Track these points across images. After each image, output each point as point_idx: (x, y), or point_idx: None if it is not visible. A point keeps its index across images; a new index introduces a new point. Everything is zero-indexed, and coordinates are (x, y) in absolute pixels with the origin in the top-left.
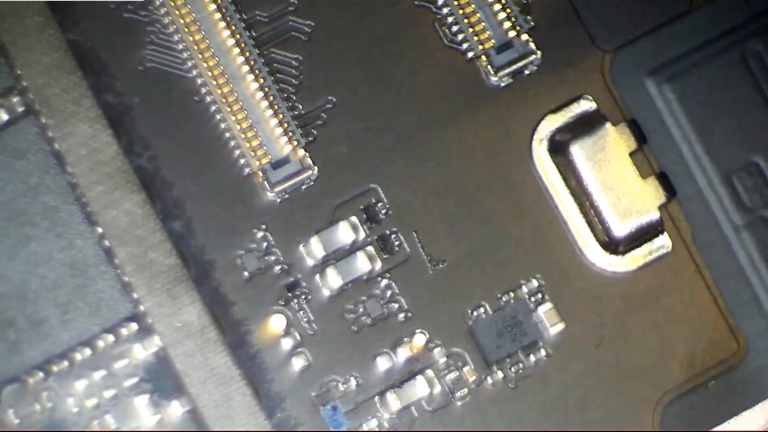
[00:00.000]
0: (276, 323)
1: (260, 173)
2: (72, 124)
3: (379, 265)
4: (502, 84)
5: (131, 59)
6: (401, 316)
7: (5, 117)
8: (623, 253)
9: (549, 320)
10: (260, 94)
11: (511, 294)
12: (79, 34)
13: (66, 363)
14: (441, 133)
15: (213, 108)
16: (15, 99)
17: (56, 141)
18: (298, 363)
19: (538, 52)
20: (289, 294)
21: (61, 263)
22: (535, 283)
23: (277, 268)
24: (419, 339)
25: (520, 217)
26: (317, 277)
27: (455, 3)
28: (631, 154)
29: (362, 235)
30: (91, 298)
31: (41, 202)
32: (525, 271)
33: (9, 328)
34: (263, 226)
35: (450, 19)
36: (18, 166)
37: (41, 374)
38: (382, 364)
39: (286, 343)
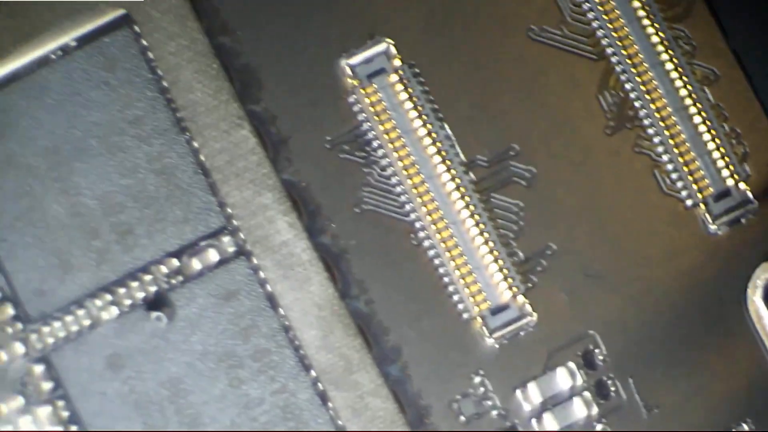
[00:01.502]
0: None
1: (479, 319)
2: (286, 267)
3: (595, 410)
4: (719, 232)
5: (347, 201)
6: None
7: (216, 258)
8: None
9: None
10: (480, 239)
11: None
12: (293, 174)
13: None
14: (658, 280)
15: (431, 252)
16: (226, 239)
17: (269, 283)
18: None
19: (755, 201)
20: None
21: (273, 406)
22: (745, 427)
23: (494, 413)
24: None
25: (732, 362)
26: (534, 422)
27: (675, 151)
28: None
29: (579, 381)
30: None
31: (253, 345)
32: (736, 415)
33: None
34: (481, 372)
35: (669, 167)
36: (229, 308)
37: None
38: None
39: None
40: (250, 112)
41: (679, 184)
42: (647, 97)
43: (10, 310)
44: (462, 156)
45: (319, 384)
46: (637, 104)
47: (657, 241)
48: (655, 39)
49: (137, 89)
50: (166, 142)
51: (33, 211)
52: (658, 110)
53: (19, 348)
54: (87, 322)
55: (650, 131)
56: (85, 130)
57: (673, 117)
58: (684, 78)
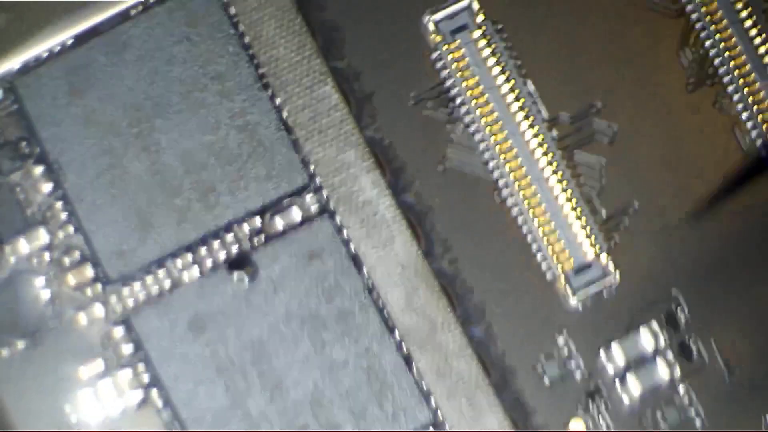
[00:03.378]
0: (575, 428)
1: (562, 278)
2: (369, 225)
3: (678, 371)
4: None
5: (431, 159)
6: (698, 422)
7: (299, 216)
8: None
9: None
10: (563, 196)
11: None
12: (376, 131)
13: None
14: (741, 237)
15: (515, 210)
16: (309, 197)
17: (352, 242)
18: None
19: None
20: (590, 400)
21: (357, 369)
22: None
23: (578, 374)
24: None
25: None
26: (617, 383)
27: (754, 108)
28: None
29: (662, 342)
30: (388, 405)
31: (336, 306)
32: None
33: None
34: (564, 332)
35: (749, 124)
36: (312, 268)
37: None
38: None
39: None
40: (333, 68)
41: (759, 142)
42: (726, 54)
43: (89, 272)
44: (545, 113)
45: (404, 346)
46: (716, 62)
47: (739, 197)
48: None
49: (219, 45)
50: (249, 98)
51: (113, 168)
52: (737, 67)
53: (98, 310)
54: (168, 283)
55: (730, 89)
56: (167, 86)
57: (752, 74)
58: (763, 35)
